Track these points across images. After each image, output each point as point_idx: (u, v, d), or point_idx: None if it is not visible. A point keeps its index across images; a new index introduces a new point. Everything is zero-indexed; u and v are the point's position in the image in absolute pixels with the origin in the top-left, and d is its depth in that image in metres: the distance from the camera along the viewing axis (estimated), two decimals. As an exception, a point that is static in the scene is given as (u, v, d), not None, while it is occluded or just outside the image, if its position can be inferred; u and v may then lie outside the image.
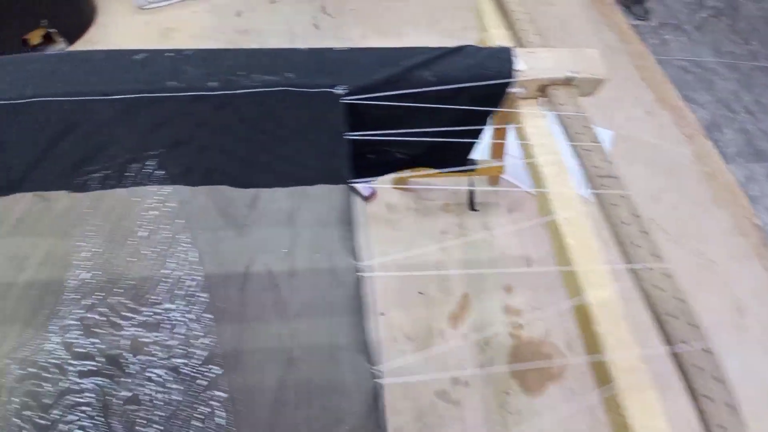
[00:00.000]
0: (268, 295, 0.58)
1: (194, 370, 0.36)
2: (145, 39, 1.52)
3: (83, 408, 0.39)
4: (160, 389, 0.36)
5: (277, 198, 1.37)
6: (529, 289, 1.15)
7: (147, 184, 0.44)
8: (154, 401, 0.38)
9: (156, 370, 0.37)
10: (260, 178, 0.52)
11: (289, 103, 0.57)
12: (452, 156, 0.80)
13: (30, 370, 0.37)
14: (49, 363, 0.37)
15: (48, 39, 1.44)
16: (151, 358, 0.37)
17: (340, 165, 0.52)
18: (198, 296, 0.40)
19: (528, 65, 0.65)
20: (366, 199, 1.24)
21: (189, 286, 0.40)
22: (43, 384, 0.37)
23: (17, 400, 0.35)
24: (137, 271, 0.42)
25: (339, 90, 0.58)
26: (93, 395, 0.36)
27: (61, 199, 0.48)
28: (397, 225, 1.21)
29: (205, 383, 0.36)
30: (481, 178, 1.31)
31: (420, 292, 1.12)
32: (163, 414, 0.39)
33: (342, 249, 0.49)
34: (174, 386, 0.36)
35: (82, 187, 0.46)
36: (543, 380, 1.04)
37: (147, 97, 0.55)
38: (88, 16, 1.53)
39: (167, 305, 0.40)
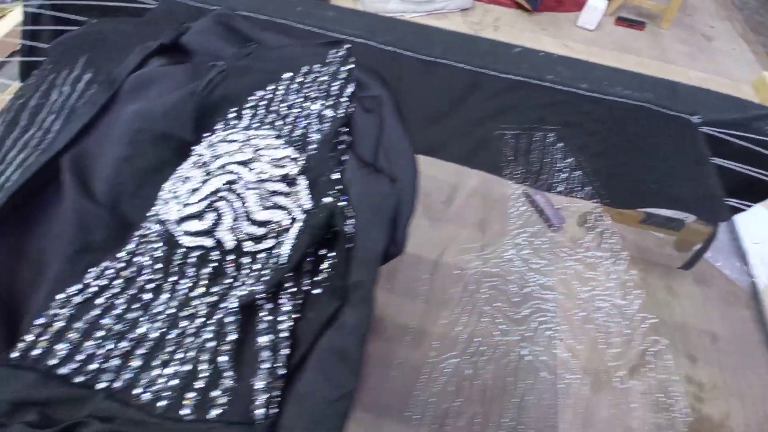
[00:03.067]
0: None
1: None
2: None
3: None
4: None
5: (470, 204, 1.44)
6: (714, 366, 1.10)
7: (555, 153, 0.52)
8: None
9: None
10: (631, 198, 0.58)
11: (648, 120, 0.63)
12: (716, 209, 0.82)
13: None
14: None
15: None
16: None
17: (714, 193, 0.56)
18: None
19: None
20: (554, 228, 1.27)
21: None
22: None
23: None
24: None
25: (695, 119, 0.64)
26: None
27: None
28: (595, 272, 1.22)
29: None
30: (668, 239, 1.29)
31: (599, 332, 1.12)
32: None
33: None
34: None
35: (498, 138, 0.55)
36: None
37: (531, 82, 0.65)
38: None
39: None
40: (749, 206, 0.77)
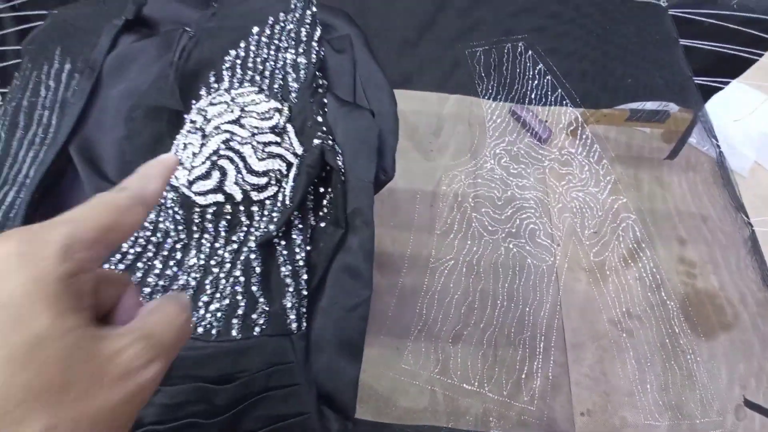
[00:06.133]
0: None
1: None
2: None
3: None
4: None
5: (457, 131, 1.47)
6: (704, 245, 1.18)
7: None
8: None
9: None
10: (603, 96, 0.61)
11: (617, 11, 0.64)
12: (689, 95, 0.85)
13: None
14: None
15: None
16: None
17: (686, 75, 0.58)
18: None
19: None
20: (542, 140, 1.30)
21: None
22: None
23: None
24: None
25: (663, 2, 0.64)
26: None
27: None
28: (569, 167, 1.27)
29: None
30: (655, 133, 1.32)
31: (593, 231, 1.20)
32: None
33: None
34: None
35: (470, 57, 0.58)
36: (714, 328, 1.09)
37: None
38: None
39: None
40: (727, 83, 0.80)
